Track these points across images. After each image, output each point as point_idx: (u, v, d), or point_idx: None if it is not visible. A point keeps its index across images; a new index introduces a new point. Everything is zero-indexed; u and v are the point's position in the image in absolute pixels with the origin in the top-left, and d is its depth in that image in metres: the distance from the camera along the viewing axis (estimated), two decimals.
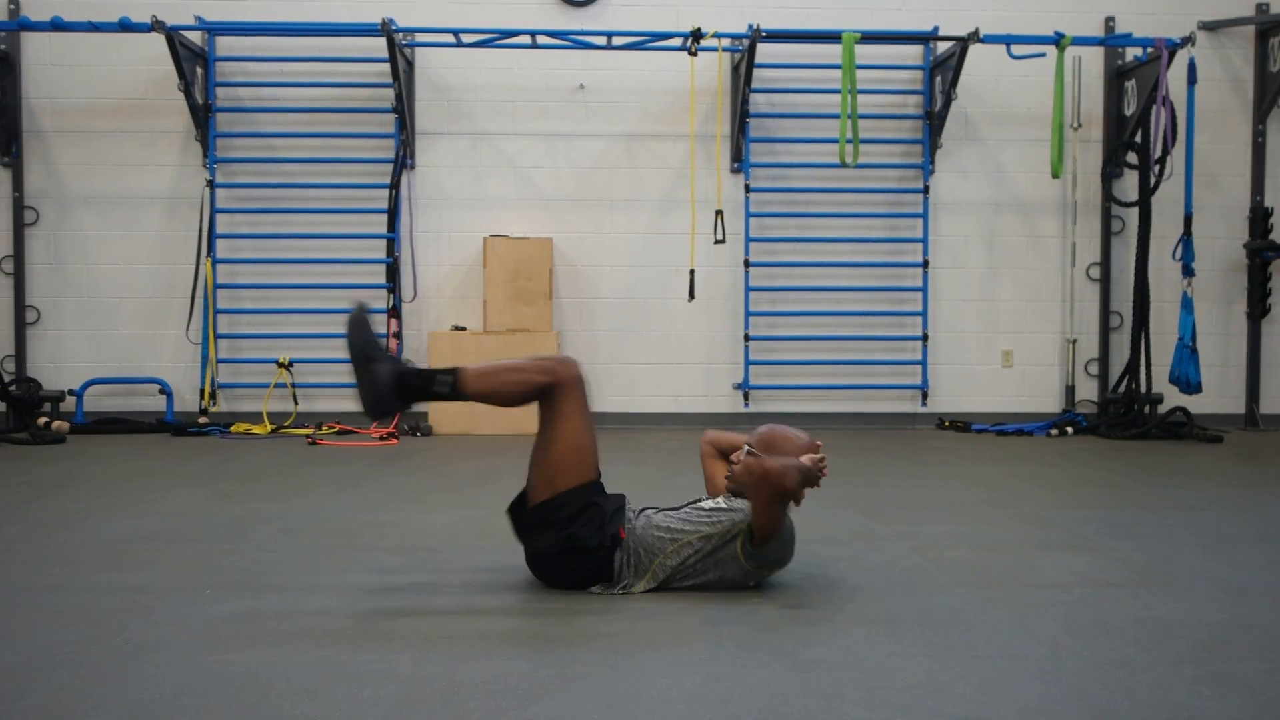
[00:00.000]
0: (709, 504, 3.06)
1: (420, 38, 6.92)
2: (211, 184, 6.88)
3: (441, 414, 6.67)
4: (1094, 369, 7.29)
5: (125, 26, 6.36)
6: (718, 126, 6.95)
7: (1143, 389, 6.88)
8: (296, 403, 6.87)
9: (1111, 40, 6.98)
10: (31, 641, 2.57)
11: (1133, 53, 7.08)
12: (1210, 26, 7.17)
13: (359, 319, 2.86)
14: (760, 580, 3.04)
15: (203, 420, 6.77)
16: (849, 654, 2.51)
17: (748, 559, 2.95)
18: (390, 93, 6.82)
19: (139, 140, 6.96)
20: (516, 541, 3.08)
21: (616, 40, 6.79)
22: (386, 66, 6.75)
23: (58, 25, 6.41)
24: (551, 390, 2.93)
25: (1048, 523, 4.06)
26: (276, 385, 6.89)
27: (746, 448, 3.10)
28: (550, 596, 2.97)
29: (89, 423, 6.70)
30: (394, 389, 2.84)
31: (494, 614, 2.82)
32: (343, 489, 4.74)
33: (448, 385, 2.86)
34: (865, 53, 6.76)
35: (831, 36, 6.62)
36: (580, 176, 7.12)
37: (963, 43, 6.61)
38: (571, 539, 2.92)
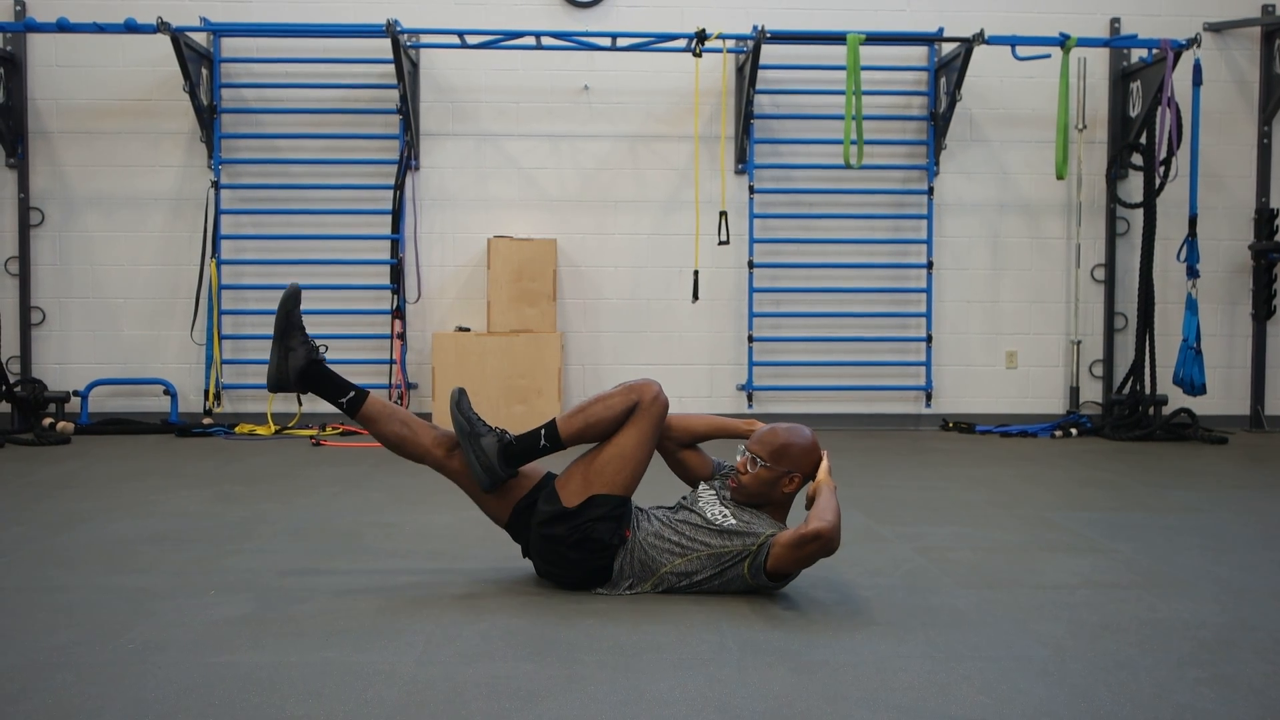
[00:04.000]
0: (717, 514, 2.98)
1: (425, 39, 6.92)
2: (216, 185, 6.89)
3: (442, 416, 6.66)
4: (1098, 370, 7.28)
5: (130, 28, 6.37)
6: (722, 128, 6.95)
7: (1147, 390, 6.87)
8: (300, 404, 6.86)
9: (1117, 41, 6.97)
10: (35, 642, 2.58)
11: (1138, 54, 7.06)
12: (1216, 28, 7.16)
13: (459, 399, 3.06)
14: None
15: (207, 421, 6.78)
16: (852, 656, 2.51)
17: (753, 577, 2.92)
18: (395, 94, 6.83)
19: (144, 141, 6.97)
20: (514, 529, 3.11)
21: (621, 41, 6.79)
22: (391, 68, 6.76)
23: (63, 26, 6.42)
24: (634, 410, 3.04)
25: (1051, 524, 4.05)
26: None
27: (758, 459, 2.97)
28: (553, 598, 2.97)
29: (94, 423, 6.71)
30: (502, 459, 3.03)
31: (497, 615, 2.82)
32: (346, 490, 4.75)
33: (544, 438, 3.04)
34: (870, 54, 6.76)
35: (836, 38, 6.62)
36: (584, 177, 7.12)
37: (967, 44, 6.60)
38: (589, 530, 2.94)
